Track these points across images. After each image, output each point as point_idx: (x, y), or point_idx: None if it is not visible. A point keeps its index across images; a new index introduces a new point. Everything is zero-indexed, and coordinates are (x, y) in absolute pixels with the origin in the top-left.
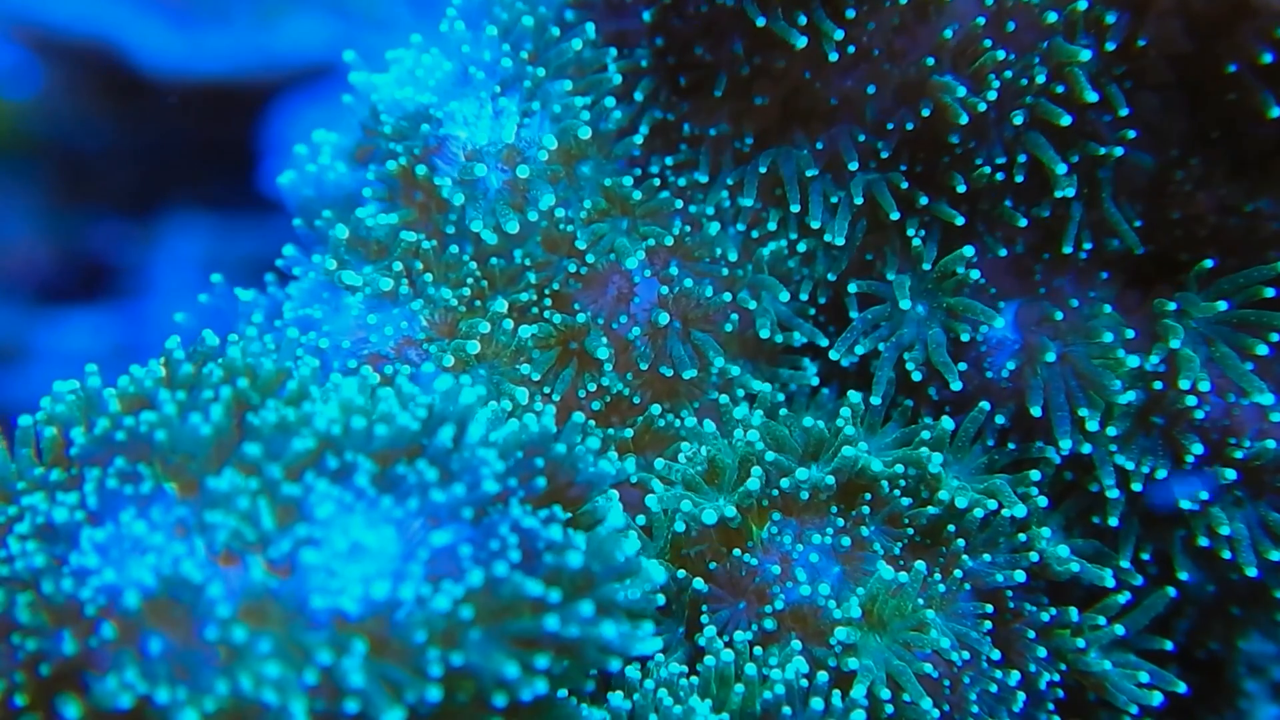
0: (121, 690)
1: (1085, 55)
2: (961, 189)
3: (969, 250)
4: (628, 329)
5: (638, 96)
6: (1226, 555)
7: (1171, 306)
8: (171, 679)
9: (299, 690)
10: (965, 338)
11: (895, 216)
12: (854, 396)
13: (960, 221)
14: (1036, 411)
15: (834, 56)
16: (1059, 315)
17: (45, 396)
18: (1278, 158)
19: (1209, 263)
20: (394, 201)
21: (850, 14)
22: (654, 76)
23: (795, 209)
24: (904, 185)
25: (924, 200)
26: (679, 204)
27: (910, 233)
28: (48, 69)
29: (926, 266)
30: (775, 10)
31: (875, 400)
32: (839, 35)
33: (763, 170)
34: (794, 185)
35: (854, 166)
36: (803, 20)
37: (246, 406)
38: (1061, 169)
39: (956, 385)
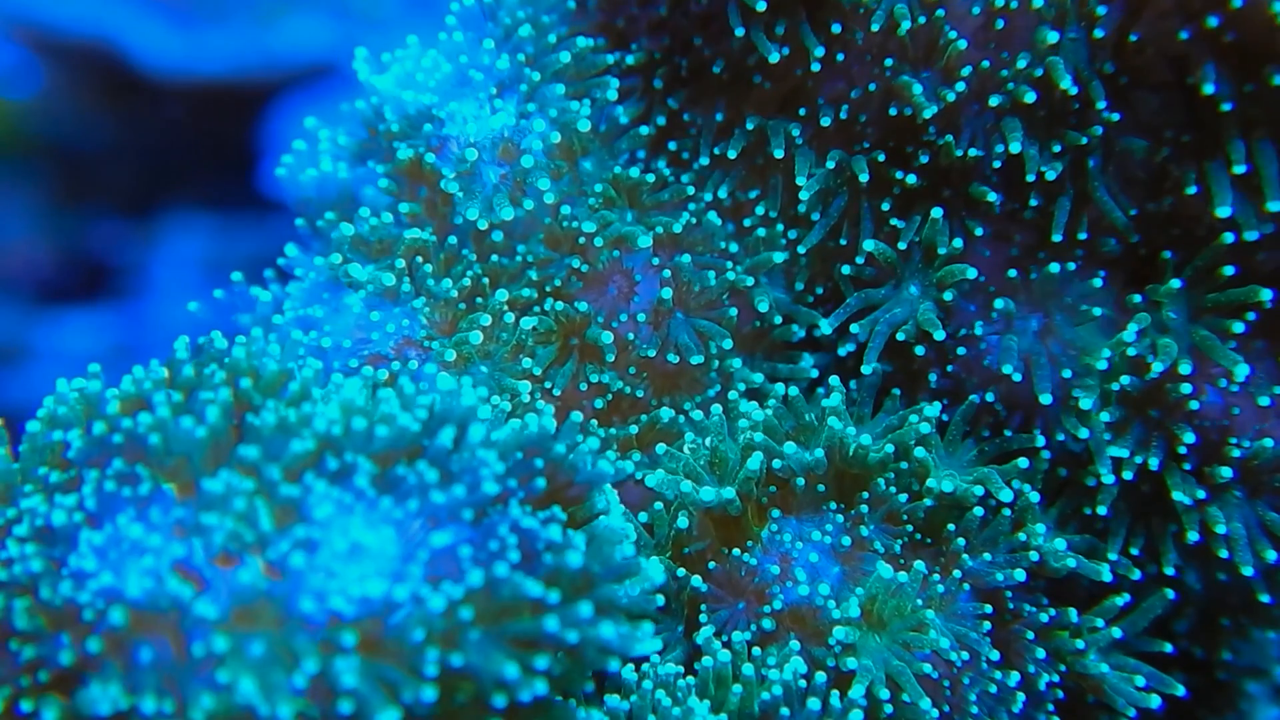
0: (104, 699)
1: (1063, 68)
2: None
3: (937, 211)
4: (628, 328)
5: (642, 93)
6: (1223, 554)
7: (1138, 299)
8: (159, 687)
9: (289, 692)
10: (948, 297)
11: (865, 179)
12: (835, 380)
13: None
14: (1013, 373)
15: (815, 67)
16: (1012, 273)
17: (49, 396)
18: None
19: (1167, 254)
20: (399, 197)
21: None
22: (658, 71)
23: (779, 154)
24: (881, 158)
25: (912, 180)
26: (691, 190)
27: (899, 224)
28: (48, 69)
29: (903, 246)
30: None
31: (865, 370)
32: (820, 52)
33: (750, 127)
34: (779, 136)
35: (826, 122)
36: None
37: (247, 407)
38: (1030, 152)
39: (940, 335)
